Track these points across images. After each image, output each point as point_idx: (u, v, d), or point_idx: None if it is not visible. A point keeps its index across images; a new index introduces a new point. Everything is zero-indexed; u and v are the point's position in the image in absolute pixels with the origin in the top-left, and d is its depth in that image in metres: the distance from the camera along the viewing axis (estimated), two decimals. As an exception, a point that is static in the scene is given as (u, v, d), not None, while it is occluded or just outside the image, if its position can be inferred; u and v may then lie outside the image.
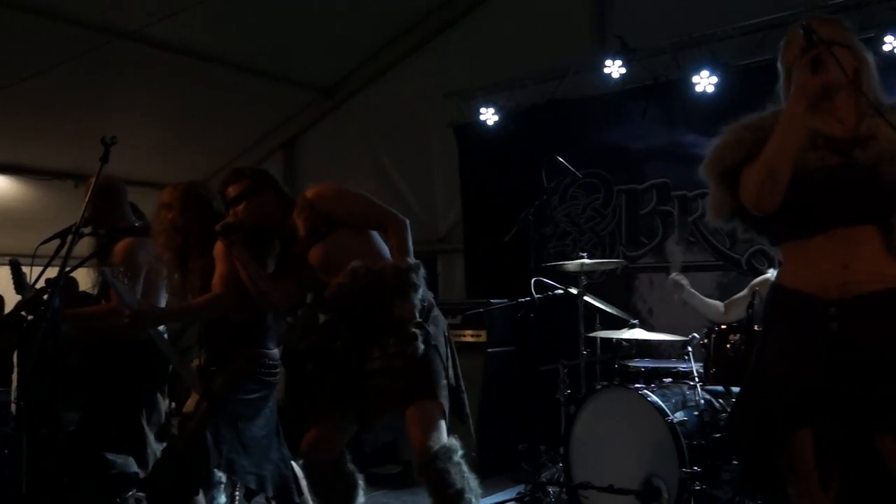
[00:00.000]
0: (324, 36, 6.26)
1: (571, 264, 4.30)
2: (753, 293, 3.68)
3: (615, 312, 4.40)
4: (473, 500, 2.47)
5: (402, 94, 6.70)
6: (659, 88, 5.15)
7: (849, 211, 1.80)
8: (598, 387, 3.93)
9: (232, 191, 2.86)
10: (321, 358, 2.84)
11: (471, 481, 2.49)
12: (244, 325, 2.93)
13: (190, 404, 2.97)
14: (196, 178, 3.48)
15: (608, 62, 5.15)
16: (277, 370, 3.00)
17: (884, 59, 2.48)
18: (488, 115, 5.83)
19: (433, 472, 2.40)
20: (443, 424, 2.53)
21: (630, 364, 4.28)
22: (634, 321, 4.21)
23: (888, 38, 4.22)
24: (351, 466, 2.77)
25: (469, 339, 5.20)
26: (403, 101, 6.66)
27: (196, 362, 3.02)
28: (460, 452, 2.52)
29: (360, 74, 7.01)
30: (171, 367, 3.31)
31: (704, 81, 4.88)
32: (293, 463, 3.06)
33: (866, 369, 1.74)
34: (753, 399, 1.96)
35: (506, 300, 4.97)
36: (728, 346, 3.54)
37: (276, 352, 3.02)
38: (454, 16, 6.44)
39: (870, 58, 1.94)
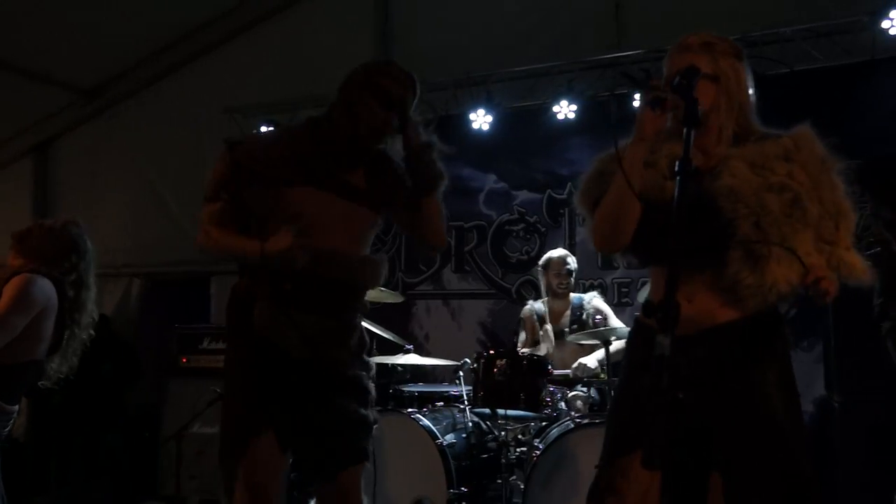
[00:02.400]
0: (90, 34, 5.76)
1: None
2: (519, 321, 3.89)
3: (391, 338, 4.46)
4: None
5: (176, 105, 6.34)
6: (439, 122, 5.36)
7: (686, 243, 1.69)
8: (373, 412, 3.94)
9: None
10: None
11: None
12: None
13: None
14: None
15: (391, 92, 5.28)
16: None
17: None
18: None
19: None
20: None
21: (404, 388, 4.35)
22: (409, 346, 4.29)
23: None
24: None
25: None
26: (178, 112, 6.31)
27: None
28: None
29: (129, 79, 6.52)
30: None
31: (480, 119, 5.17)
32: None
33: (696, 405, 1.72)
34: (608, 418, 2.03)
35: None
36: (495, 370, 3.72)
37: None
38: (240, 27, 6.23)
39: (743, 83, 1.88)
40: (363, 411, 2.20)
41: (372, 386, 2.26)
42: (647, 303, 1.29)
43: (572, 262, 4.36)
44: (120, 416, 5.56)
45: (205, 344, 5.19)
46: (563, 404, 3.84)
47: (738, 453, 1.73)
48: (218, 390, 4.64)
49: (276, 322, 2.11)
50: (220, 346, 5.09)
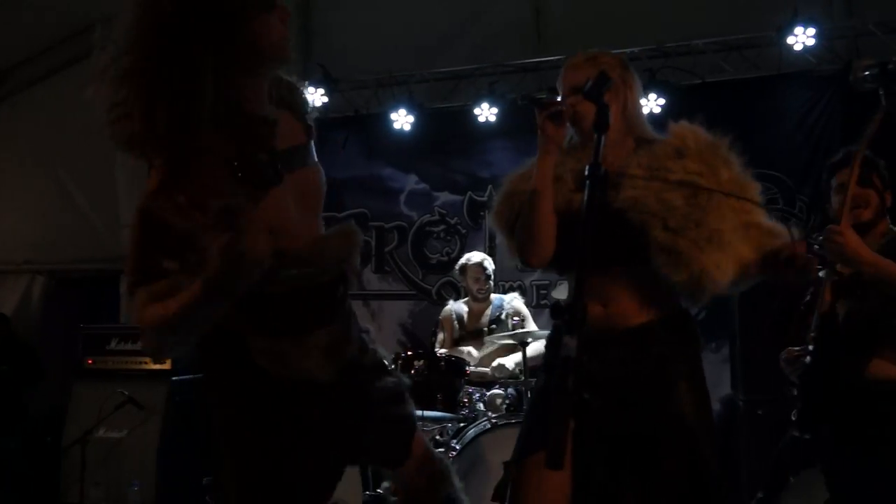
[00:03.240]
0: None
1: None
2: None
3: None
4: None
5: (83, 95, 6.05)
6: (360, 121, 5.31)
7: (600, 252, 1.64)
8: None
9: None
10: None
11: None
12: None
13: None
14: None
15: (310, 89, 5.22)
16: None
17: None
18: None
19: None
20: None
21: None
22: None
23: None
24: None
25: (151, 366, 4.82)
26: (84, 102, 6.02)
27: None
28: None
29: (34, 67, 6.21)
30: None
31: (402, 119, 5.15)
32: None
33: (608, 407, 1.76)
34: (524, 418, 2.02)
35: (195, 325, 4.70)
36: (412, 371, 3.71)
37: None
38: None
39: (633, 92, 1.92)
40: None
41: None
42: (555, 304, 1.31)
43: (489, 265, 4.37)
44: (20, 420, 5.30)
45: (112, 345, 4.97)
46: (480, 405, 3.85)
47: (649, 455, 1.75)
48: (126, 393, 4.49)
49: None
50: (130, 346, 4.90)
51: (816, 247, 2.13)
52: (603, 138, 1.47)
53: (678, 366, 1.85)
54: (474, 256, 4.41)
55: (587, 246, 1.38)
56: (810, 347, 2.28)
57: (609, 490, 1.76)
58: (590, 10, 5.21)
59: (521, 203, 1.89)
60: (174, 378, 4.85)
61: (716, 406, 4.58)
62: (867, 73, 1.62)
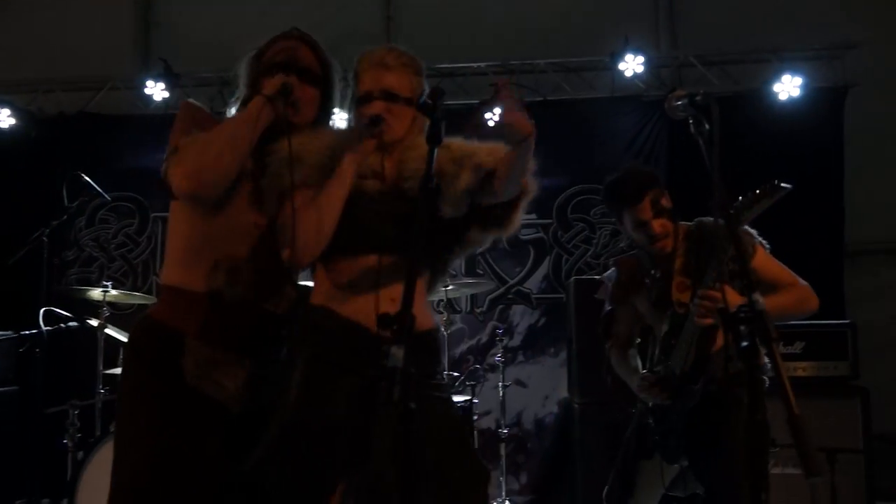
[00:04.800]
0: None
1: (94, 293, 3.92)
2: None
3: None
4: None
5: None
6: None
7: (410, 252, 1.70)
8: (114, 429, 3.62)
9: None
10: None
11: None
12: None
13: None
14: None
15: (150, 83, 5.00)
16: None
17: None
18: (2, 118, 5.10)
19: None
20: None
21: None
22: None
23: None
24: None
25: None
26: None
27: None
28: None
29: None
30: None
31: (248, 120, 5.01)
32: None
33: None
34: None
35: (9, 332, 4.32)
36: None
37: None
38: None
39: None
40: None
41: None
42: (383, 315, 1.30)
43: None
44: None
45: None
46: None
47: (435, 456, 1.74)
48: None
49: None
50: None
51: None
52: (436, 151, 1.48)
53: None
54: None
55: (417, 257, 1.40)
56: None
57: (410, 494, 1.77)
58: (440, 22, 5.32)
59: None
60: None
61: (554, 409, 4.82)
62: (679, 103, 1.79)
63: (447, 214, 1.82)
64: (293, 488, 1.67)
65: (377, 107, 1.82)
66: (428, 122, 1.52)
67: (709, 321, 2.19)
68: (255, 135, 1.73)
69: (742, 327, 1.28)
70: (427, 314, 1.89)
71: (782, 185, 2.13)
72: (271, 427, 1.69)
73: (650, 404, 2.49)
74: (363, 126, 1.80)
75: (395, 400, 1.21)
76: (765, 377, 2.15)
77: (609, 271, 2.77)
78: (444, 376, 1.99)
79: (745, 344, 1.28)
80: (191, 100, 1.91)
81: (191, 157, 1.69)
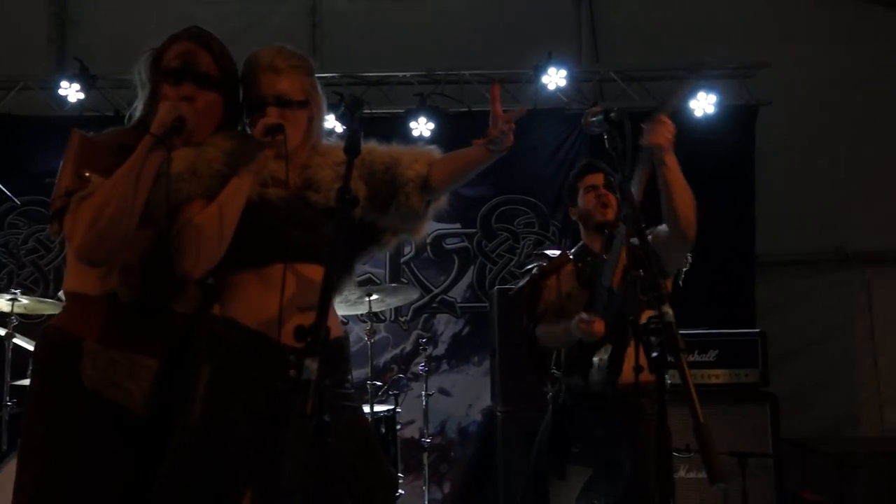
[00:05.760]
0: None
1: (1, 300, 3.75)
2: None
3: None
4: None
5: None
6: (119, 122, 4.92)
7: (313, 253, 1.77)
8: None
9: None
10: None
11: None
12: None
13: None
14: None
15: (65, 83, 4.82)
16: None
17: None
18: None
19: None
20: None
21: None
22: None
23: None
24: None
25: None
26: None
27: None
28: None
29: None
30: None
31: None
32: None
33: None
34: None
35: None
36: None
37: None
38: None
39: (322, 103, 1.90)
40: None
41: None
42: (298, 327, 1.28)
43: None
44: None
45: None
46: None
47: (343, 464, 1.71)
48: None
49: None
50: None
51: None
52: (354, 162, 1.47)
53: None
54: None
55: (335, 268, 1.39)
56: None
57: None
58: (365, 29, 5.31)
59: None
60: None
61: (478, 417, 4.85)
62: (594, 119, 1.86)
63: (401, 230, 1.88)
64: None
65: (273, 114, 1.76)
66: (346, 132, 1.51)
67: (662, 141, 2.27)
68: (149, 181, 1.66)
69: (652, 338, 1.32)
70: (336, 323, 1.86)
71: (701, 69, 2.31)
72: (173, 444, 1.65)
73: (562, 398, 2.55)
74: (261, 135, 1.73)
75: (309, 413, 1.19)
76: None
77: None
78: (352, 384, 1.95)
79: (654, 354, 1.32)
80: (79, 131, 1.83)
81: (87, 222, 1.63)
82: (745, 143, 5.03)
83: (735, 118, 4.99)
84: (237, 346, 1.72)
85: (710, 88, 4.89)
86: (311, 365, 1.22)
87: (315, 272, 1.73)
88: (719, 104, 4.89)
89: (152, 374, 1.71)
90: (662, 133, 2.28)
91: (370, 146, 1.88)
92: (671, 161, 2.31)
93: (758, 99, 5.03)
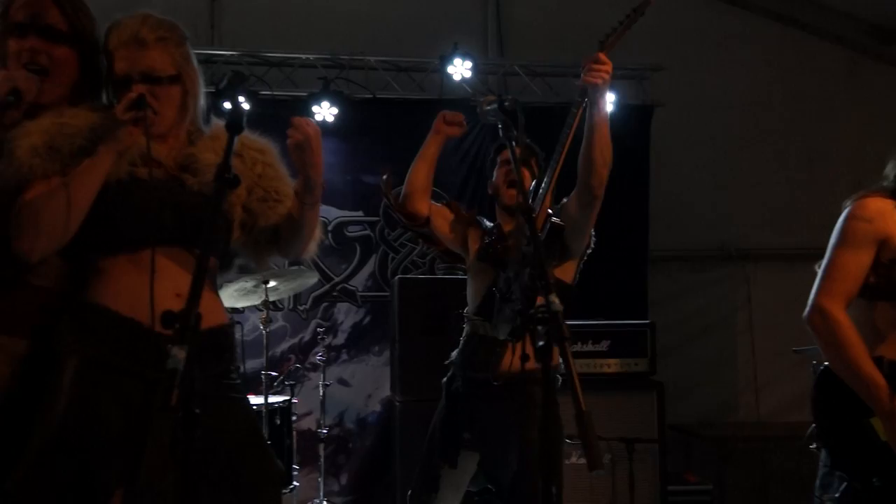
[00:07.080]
0: None
1: None
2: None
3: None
4: None
5: None
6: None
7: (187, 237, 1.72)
8: None
9: None
10: None
11: None
12: None
13: None
14: None
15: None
16: None
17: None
18: None
19: None
20: None
21: None
22: None
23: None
24: None
25: None
26: None
27: None
28: None
29: None
30: None
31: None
32: None
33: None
34: None
35: None
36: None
37: None
38: None
39: (198, 77, 1.82)
40: None
41: None
42: (166, 312, 1.19)
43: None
44: None
45: None
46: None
47: (228, 459, 1.68)
48: None
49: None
50: None
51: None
52: (236, 139, 1.39)
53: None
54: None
55: (207, 251, 1.31)
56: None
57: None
58: (268, 9, 5.17)
59: None
60: None
61: (377, 407, 4.83)
62: (489, 108, 1.87)
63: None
64: None
65: (139, 91, 1.65)
66: (229, 108, 1.42)
67: (598, 80, 2.34)
68: None
69: (539, 327, 1.34)
70: (217, 310, 1.79)
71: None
72: (33, 442, 1.54)
73: (454, 386, 2.59)
74: (123, 111, 1.61)
75: (172, 405, 1.13)
76: (558, 376, 2.31)
77: None
78: (240, 374, 1.88)
79: (541, 343, 1.34)
80: None
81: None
82: (641, 142, 5.19)
83: (632, 117, 5.14)
84: (107, 335, 1.63)
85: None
86: (179, 353, 1.14)
87: (189, 257, 1.65)
88: (617, 104, 5.02)
89: (15, 355, 1.60)
90: (599, 73, 2.32)
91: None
92: (602, 104, 2.35)
93: (653, 100, 5.21)
